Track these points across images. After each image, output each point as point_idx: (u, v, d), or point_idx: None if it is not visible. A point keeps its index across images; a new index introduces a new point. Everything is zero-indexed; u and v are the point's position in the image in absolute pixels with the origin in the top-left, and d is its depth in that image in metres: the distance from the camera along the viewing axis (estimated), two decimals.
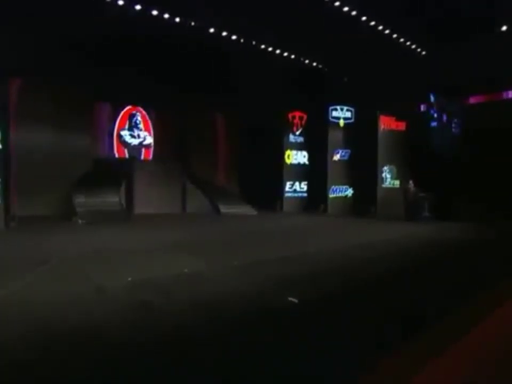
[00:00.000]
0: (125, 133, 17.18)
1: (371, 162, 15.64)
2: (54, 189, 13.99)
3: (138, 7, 12.74)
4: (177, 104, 17.28)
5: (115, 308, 4.50)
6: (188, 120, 18.28)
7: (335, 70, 18.24)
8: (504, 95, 15.90)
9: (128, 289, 5.18)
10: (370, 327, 3.99)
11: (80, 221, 12.69)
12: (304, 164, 19.26)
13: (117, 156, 17.16)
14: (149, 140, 17.84)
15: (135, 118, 17.48)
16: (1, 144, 11.33)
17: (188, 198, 17.78)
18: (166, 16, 13.42)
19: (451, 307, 4.62)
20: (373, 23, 14.12)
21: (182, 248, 8.25)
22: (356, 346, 3.46)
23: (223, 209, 16.64)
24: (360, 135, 16.45)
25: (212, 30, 14.44)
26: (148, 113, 17.86)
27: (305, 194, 19.33)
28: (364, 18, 13.78)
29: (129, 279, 5.65)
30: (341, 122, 17.74)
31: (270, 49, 16.30)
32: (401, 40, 15.57)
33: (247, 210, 16.91)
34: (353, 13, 13.37)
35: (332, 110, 17.61)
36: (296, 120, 19.06)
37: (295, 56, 17.18)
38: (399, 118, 16.01)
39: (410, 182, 14.86)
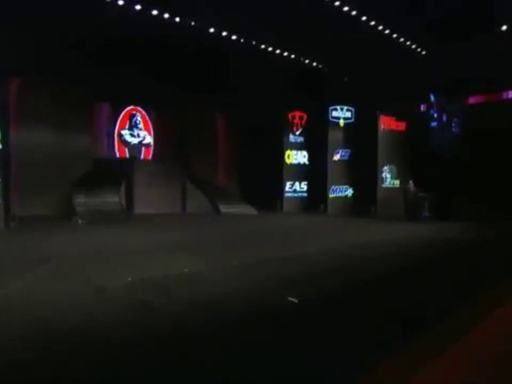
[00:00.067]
0: (125, 132, 17.21)
1: (371, 162, 15.63)
2: (54, 189, 13.99)
3: (138, 7, 12.74)
4: (177, 104, 17.27)
5: (115, 307, 4.50)
6: (188, 120, 18.28)
7: (335, 70, 18.24)
8: (504, 95, 15.90)
9: (128, 289, 5.18)
10: (370, 327, 3.99)
11: (80, 221, 12.70)
12: (304, 164, 19.26)
13: (117, 154, 17.16)
14: (149, 139, 17.86)
15: (135, 118, 17.49)
16: (1, 144, 11.33)
17: (188, 198, 17.79)
18: (166, 16, 13.42)
19: (451, 307, 4.62)
20: (373, 23, 14.12)
21: (182, 248, 8.25)
22: (355, 346, 3.46)
23: (223, 209, 16.65)
24: (360, 135, 16.44)
25: (211, 30, 14.44)
26: (148, 113, 17.86)
27: (305, 194, 19.33)
28: (363, 18, 13.78)
29: (129, 279, 5.65)
30: (341, 122, 17.74)
31: (270, 49, 16.30)
32: (401, 40, 15.57)
33: (247, 210, 16.92)
34: (353, 13, 13.37)
35: (332, 110, 17.60)
36: (296, 120, 19.06)
37: (295, 56, 17.18)
38: (399, 118, 16.01)
39: (410, 182, 14.86)
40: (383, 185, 15.84)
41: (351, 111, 17.86)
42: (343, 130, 17.72)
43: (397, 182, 15.92)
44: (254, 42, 15.65)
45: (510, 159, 13.82)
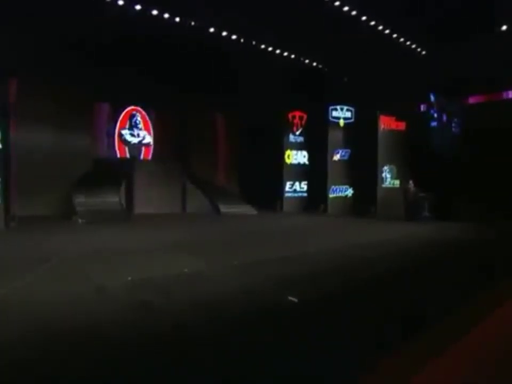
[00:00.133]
0: (125, 132, 17.23)
1: (371, 162, 15.63)
2: (54, 189, 14.00)
3: (138, 7, 12.75)
4: (177, 104, 17.28)
5: (115, 307, 4.50)
6: (188, 120, 18.29)
7: (335, 70, 18.24)
8: (504, 95, 15.90)
9: (128, 289, 5.18)
10: (370, 327, 3.99)
11: (80, 221, 12.71)
12: (304, 164, 19.26)
13: (118, 154, 17.16)
14: (148, 138, 17.88)
15: (135, 118, 17.51)
16: (1, 144, 11.34)
17: (188, 198, 17.81)
18: (166, 16, 13.42)
19: (451, 307, 4.62)
20: (373, 23, 14.13)
21: (182, 248, 8.25)
22: (355, 346, 3.46)
23: (223, 209, 16.65)
24: (360, 135, 16.44)
25: (211, 30, 14.44)
26: (148, 113, 17.86)
27: (305, 194, 19.33)
28: (363, 18, 13.78)
29: (129, 278, 5.65)
30: (341, 122, 17.74)
31: (270, 49, 16.31)
32: (401, 40, 15.58)
33: (247, 210, 16.92)
34: (353, 12, 13.37)
35: (332, 110, 17.60)
36: (296, 120, 19.06)
37: (295, 56, 17.18)
38: (399, 118, 16.00)
39: (410, 182, 14.86)
40: (383, 185, 15.84)
41: (351, 111, 17.86)
42: (343, 130, 17.72)
43: (397, 182, 15.91)
44: (254, 42, 15.66)
45: (510, 159, 13.81)
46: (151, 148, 18.00)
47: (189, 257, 7.32)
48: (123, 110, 17.22)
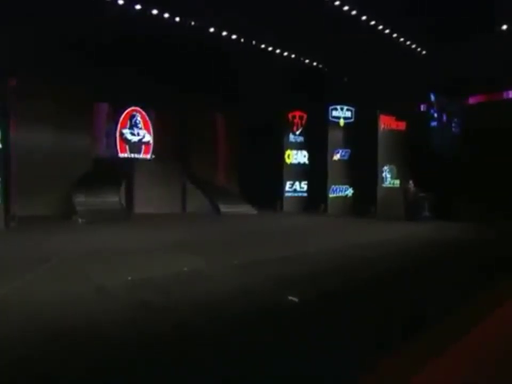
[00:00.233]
0: (126, 131, 17.27)
1: (371, 162, 15.62)
2: (54, 189, 13.99)
3: (138, 7, 12.74)
4: (177, 104, 17.28)
5: (115, 307, 4.50)
6: (188, 120, 18.28)
7: (335, 70, 18.24)
8: (504, 95, 15.91)
9: (128, 289, 5.18)
10: (370, 327, 3.99)
11: (80, 220, 12.71)
12: (304, 164, 19.26)
13: (119, 151, 17.16)
14: (148, 137, 17.90)
15: (135, 118, 17.54)
16: (1, 144, 11.34)
17: (188, 198, 17.84)
18: (166, 16, 13.42)
19: (450, 307, 4.62)
20: (373, 22, 14.13)
21: (182, 248, 8.25)
22: (355, 346, 3.46)
23: (223, 208, 16.66)
24: (360, 135, 16.44)
25: (211, 30, 14.44)
26: (148, 114, 17.86)
27: (305, 194, 19.33)
28: (363, 18, 13.78)
29: (129, 278, 5.66)
30: (341, 122, 17.73)
31: (270, 49, 16.31)
32: (401, 40, 15.58)
33: (247, 210, 16.93)
34: (353, 12, 13.37)
35: (332, 109, 17.60)
36: (296, 120, 19.07)
37: (295, 56, 17.19)
38: (399, 118, 16.00)
39: (410, 181, 14.86)
40: (383, 185, 15.84)
41: (351, 110, 17.86)
42: (343, 130, 17.71)
43: (397, 182, 15.91)
44: (254, 42, 15.66)
45: (510, 159, 13.81)
46: (151, 146, 18.01)
47: (188, 257, 7.32)
48: (123, 111, 17.23)
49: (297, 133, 19.08)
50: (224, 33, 14.76)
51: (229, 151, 19.92)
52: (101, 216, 12.89)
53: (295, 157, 19.06)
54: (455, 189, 14.14)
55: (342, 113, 17.76)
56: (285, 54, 16.85)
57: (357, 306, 4.61)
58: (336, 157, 17.62)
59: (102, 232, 10.94)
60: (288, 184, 18.92)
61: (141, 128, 17.68)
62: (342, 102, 17.64)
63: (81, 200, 13.59)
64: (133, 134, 17.44)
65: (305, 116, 19.10)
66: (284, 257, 7.40)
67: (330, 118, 17.59)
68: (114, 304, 4.63)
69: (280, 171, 18.79)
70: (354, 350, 3.36)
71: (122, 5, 12.53)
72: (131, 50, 13.75)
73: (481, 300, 4.98)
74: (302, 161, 19.22)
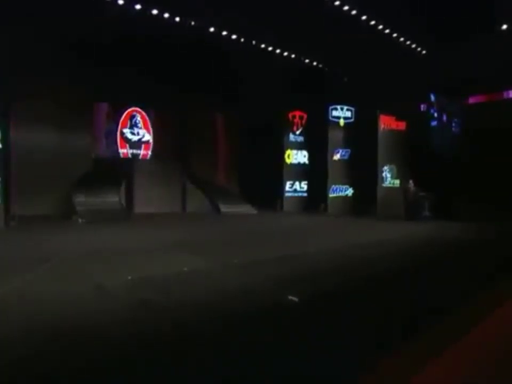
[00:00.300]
0: (126, 131, 17.30)
1: (371, 161, 15.63)
2: (54, 189, 13.99)
3: (138, 6, 12.74)
4: (177, 104, 17.27)
5: (115, 306, 4.50)
6: (188, 120, 18.28)
7: (335, 70, 18.24)
8: (504, 95, 15.91)
9: (128, 288, 5.19)
10: (370, 327, 3.99)
11: (80, 220, 12.72)
12: (304, 164, 19.26)
13: (119, 150, 17.17)
14: (148, 137, 17.91)
15: (135, 119, 17.57)
16: (1, 143, 11.35)
17: (188, 198, 17.85)
18: (166, 15, 13.42)
19: (451, 307, 4.62)
20: (373, 22, 14.12)
21: (182, 247, 8.25)
22: (355, 346, 3.46)
23: (223, 208, 16.66)
24: (360, 135, 16.44)
25: (212, 30, 14.44)
26: (148, 114, 17.87)
27: (305, 194, 19.33)
28: (363, 17, 13.78)
29: (129, 278, 5.66)
30: (341, 121, 17.74)
31: (270, 48, 16.30)
32: (401, 39, 15.57)
33: (247, 209, 16.93)
34: (353, 12, 13.37)
35: (332, 109, 17.60)
36: (296, 120, 19.07)
37: (295, 56, 17.18)
38: (399, 118, 16.00)
39: (410, 181, 14.86)
40: (383, 185, 15.84)
41: (351, 110, 17.86)
42: (343, 130, 17.72)
43: (397, 182, 15.91)
44: (254, 42, 15.65)
45: (510, 159, 13.82)
46: (150, 145, 18.01)
47: (188, 257, 7.32)
48: (124, 111, 17.25)
49: (297, 132, 19.08)
50: (224, 33, 14.75)
51: (229, 151, 19.91)
52: (101, 216, 12.89)
53: (295, 156, 19.06)
54: (455, 189, 14.14)
55: (342, 113, 17.77)
56: (285, 54, 16.84)
57: (357, 306, 4.61)
58: (336, 156, 17.63)
59: (102, 232, 10.94)
60: (288, 184, 18.92)
61: (140, 128, 17.71)
62: (342, 102, 17.65)
63: (81, 200, 13.59)
64: (133, 134, 17.48)
65: (305, 116, 19.11)
66: (283, 257, 7.40)
67: (330, 118, 17.59)
68: (114, 303, 4.63)
69: (280, 171, 18.78)
70: (354, 350, 3.36)
71: (122, 5, 12.52)
72: (131, 50, 13.74)
73: (481, 300, 4.98)
74: (302, 161, 19.22)
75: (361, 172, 16.24)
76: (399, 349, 3.48)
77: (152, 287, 5.26)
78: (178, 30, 13.75)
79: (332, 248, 8.72)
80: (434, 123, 15.68)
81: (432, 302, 4.80)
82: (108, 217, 12.99)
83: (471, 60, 14.26)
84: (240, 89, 16.79)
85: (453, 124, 16.38)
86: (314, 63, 18.07)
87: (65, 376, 3.00)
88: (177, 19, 13.64)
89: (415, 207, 14.52)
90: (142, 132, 17.75)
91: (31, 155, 13.73)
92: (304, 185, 19.27)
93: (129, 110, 17.42)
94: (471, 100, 16.60)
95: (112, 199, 14.47)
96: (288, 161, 18.93)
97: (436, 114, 15.65)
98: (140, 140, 17.76)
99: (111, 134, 17.05)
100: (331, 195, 17.54)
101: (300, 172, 19.15)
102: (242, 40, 15.27)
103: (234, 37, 15.04)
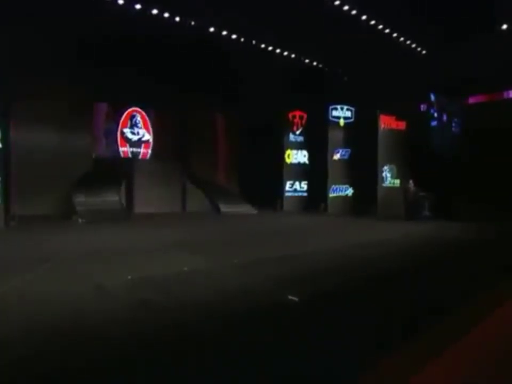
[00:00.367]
0: (127, 130, 17.32)
1: (371, 161, 15.62)
2: (54, 189, 13.99)
3: (138, 6, 12.74)
4: (177, 104, 17.28)
5: (115, 306, 4.50)
6: (188, 120, 18.28)
7: (335, 70, 18.24)
8: (504, 95, 15.91)
9: (128, 288, 5.19)
10: (370, 327, 3.99)
11: (80, 220, 12.72)
12: (304, 163, 19.27)
13: (120, 149, 17.18)
14: (147, 136, 17.93)
15: (135, 119, 17.58)
16: (1, 143, 11.35)
17: (188, 198, 17.86)
18: (166, 15, 13.41)
19: (450, 307, 4.63)
20: (372, 22, 14.12)
21: (182, 247, 8.25)
22: (355, 346, 3.46)
23: (224, 208, 16.66)
24: (360, 135, 16.44)
25: (212, 30, 14.44)
26: (148, 114, 17.88)
27: (305, 194, 19.34)
28: (363, 17, 13.78)
29: (129, 277, 5.66)
30: (341, 121, 17.74)
31: (270, 48, 16.30)
32: (402, 39, 15.57)
33: (247, 209, 16.93)
34: (353, 12, 13.37)
35: (332, 109, 17.61)
36: (296, 120, 19.07)
37: (295, 56, 17.18)
38: (399, 118, 16.00)
39: (410, 181, 14.86)
40: (383, 185, 15.83)
41: (351, 110, 17.86)
42: (343, 129, 17.72)
43: (397, 182, 15.91)
44: (254, 42, 15.65)
45: (510, 159, 13.82)
46: (150, 144, 18.01)
47: (188, 257, 7.32)
48: (124, 111, 17.27)
49: (297, 132, 19.09)
50: (224, 33, 14.75)
51: (229, 151, 19.92)
52: (101, 216, 12.90)
53: (295, 156, 19.06)
54: (455, 189, 14.14)
55: (342, 113, 17.77)
56: (285, 54, 16.84)
57: (357, 306, 4.61)
58: (336, 156, 17.63)
59: (102, 232, 10.94)
60: (288, 184, 18.93)
61: (140, 128, 17.73)
62: (342, 101, 17.65)
63: (81, 200, 13.59)
64: (133, 133, 17.50)
65: (305, 116, 19.11)
66: (283, 256, 7.40)
67: (330, 117, 17.59)
68: (114, 303, 4.63)
69: (280, 171, 18.79)
70: (354, 350, 3.36)
71: (122, 5, 12.52)
72: (131, 50, 13.74)
73: (481, 300, 4.98)
74: (302, 161, 19.23)
75: (361, 172, 16.24)
76: (399, 349, 3.48)
77: (152, 287, 5.26)
78: (178, 30, 13.75)
79: (332, 248, 8.72)
80: (434, 123, 15.68)
81: (432, 302, 4.80)
82: (108, 217, 12.99)
83: (471, 60, 14.26)
84: (240, 89, 16.80)
85: (453, 124, 16.39)
86: (314, 63, 18.07)
87: (65, 376, 3.00)
88: (177, 19, 13.65)
89: (415, 207, 14.52)
90: (142, 131, 17.77)
91: (31, 155, 13.73)
92: (304, 185, 19.28)
93: (130, 110, 17.44)
94: (471, 100, 16.60)
95: (112, 199, 14.47)
96: (288, 161, 18.94)
97: (435, 114, 15.65)
98: (139, 139, 17.78)
99: (111, 134, 17.06)
100: (331, 195, 17.54)
101: (300, 171, 19.16)
102: (242, 40, 15.27)
103: (234, 37, 15.04)
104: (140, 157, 17.67)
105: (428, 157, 14.86)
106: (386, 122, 15.88)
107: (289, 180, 18.95)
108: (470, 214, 13.32)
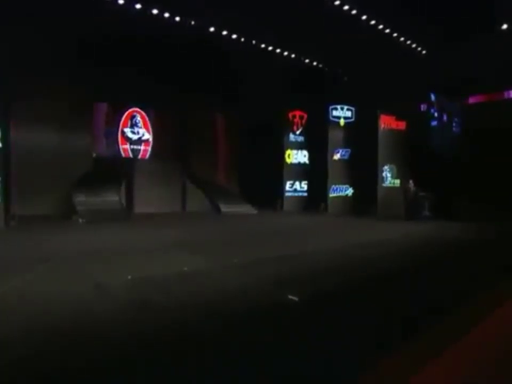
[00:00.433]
0: (127, 130, 17.35)
1: (371, 161, 15.62)
2: (54, 189, 13.98)
3: (138, 6, 12.73)
4: (177, 104, 17.28)
5: (115, 306, 4.50)
6: (188, 120, 18.28)
7: (335, 70, 18.23)
8: (505, 95, 15.91)
9: (128, 288, 5.19)
10: (370, 327, 3.99)
11: (80, 220, 12.72)
12: (304, 163, 19.27)
13: (120, 148, 17.19)
14: (147, 135, 17.93)
15: (135, 118, 17.60)
16: (1, 143, 11.35)
17: (188, 197, 17.86)
18: (166, 15, 13.41)
19: (450, 307, 4.62)
20: (373, 22, 14.12)
21: (182, 247, 8.25)
22: (355, 346, 3.46)
23: (224, 208, 16.67)
24: (360, 135, 16.44)
25: (212, 30, 14.43)
26: (148, 114, 17.88)
27: (305, 194, 19.34)
28: (364, 17, 13.77)
29: (129, 277, 5.66)
30: (341, 121, 17.74)
31: (270, 48, 16.30)
32: (402, 39, 15.56)
33: (247, 209, 16.93)
34: (353, 12, 13.36)
35: (332, 109, 17.61)
36: (297, 120, 19.07)
37: (295, 56, 17.18)
38: (399, 118, 15.98)
39: (411, 181, 14.86)
40: (383, 185, 15.82)
41: (351, 110, 17.87)
42: (343, 129, 17.72)
43: (397, 182, 15.89)
44: (254, 42, 15.64)
45: (510, 159, 13.82)
46: (150, 144, 18.02)
47: (188, 257, 7.32)
48: (124, 111, 17.28)
49: (298, 132, 19.09)
50: (224, 32, 14.75)
51: (229, 151, 19.91)
52: (101, 215, 12.90)
53: (295, 156, 19.07)
54: (455, 189, 14.14)
55: (342, 113, 17.77)
56: (285, 53, 16.84)
57: (357, 306, 4.61)
58: (336, 156, 17.63)
59: (102, 232, 10.94)
60: (288, 183, 18.93)
61: (140, 127, 17.75)
62: (342, 101, 17.65)
63: (81, 199, 13.59)
64: (133, 133, 17.54)
65: (305, 116, 19.11)
66: (283, 256, 7.40)
67: (330, 117, 17.60)
68: (114, 303, 4.63)
69: (280, 171, 18.80)
70: (354, 350, 3.36)
71: (122, 5, 12.52)
72: (131, 50, 13.73)
73: (481, 300, 4.98)
74: (302, 161, 19.23)
75: (361, 172, 16.24)
76: (399, 349, 3.48)
77: (152, 287, 5.26)
78: (178, 30, 13.75)
79: (332, 248, 8.72)
80: (434, 123, 15.67)
81: (432, 302, 4.80)
82: (108, 217, 12.99)
83: (471, 59, 14.26)
84: (240, 89, 16.80)
85: (453, 124, 16.38)
86: (314, 63, 18.06)
87: (65, 376, 3.00)
88: (177, 19, 13.64)
89: (415, 207, 14.52)
90: (142, 130, 17.80)
91: (31, 155, 13.71)
92: (304, 185, 19.28)
93: (130, 110, 17.46)
94: (471, 100, 16.60)
95: (112, 198, 14.48)
96: (288, 161, 18.94)
97: (436, 114, 15.64)
98: (139, 138, 17.80)
99: (111, 134, 17.06)
100: (331, 195, 17.54)
101: (300, 171, 19.16)
102: (242, 40, 15.27)
103: (234, 36, 15.04)
104: (140, 155, 17.67)
105: (428, 157, 14.85)
106: (386, 122, 15.87)
107: (289, 179, 18.95)
108: (470, 214, 13.32)
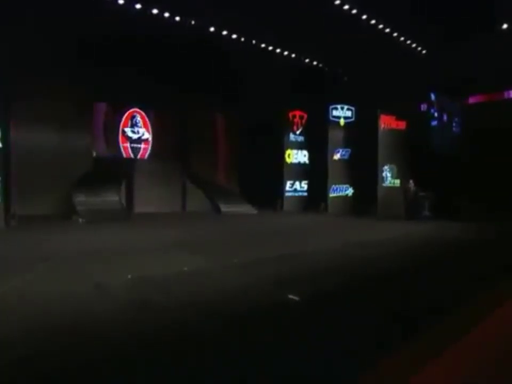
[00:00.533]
0: (127, 129, 17.37)
1: (371, 161, 15.63)
2: (54, 188, 13.98)
3: (138, 6, 12.73)
4: (177, 104, 17.28)
5: (115, 306, 4.50)
6: (188, 120, 18.28)
7: (335, 69, 18.23)
8: (505, 95, 15.91)
9: (128, 288, 5.19)
10: (370, 327, 3.99)
11: (80, 220, 12.72)
12: (304, 163, 19.27)
13: (121, 148, 17.20)
14: (147, 135, 17.95)
15: (135, 118, 17.62)
16: (1, 143, 11.35)
17: (188, 197, 17.86)
18: (166, 15, 13.41)
19: (450, 307, 4.62)
20: (373, 22, 14.11)
21: (182, 247, 8.25)
22: (355, 346, 3.46)
23: (224, 208, 16.66)
24: (360, 134, 16.45)
25: (212, 30, 14.43)
26: (148, 114, 17.88)
27: (305, 194, 19.34)
28: (364, 17, 13.77)
29: (129, 277, 5.66)
30: (341, 121, 17.74)
31: (270, 48, 16.30)
32: (402, 39, 15.56)
33: (247, 209, 16.93)
34: (354, 11, 13.36)
35: (332, 109, 17.61)
36: (297, 119, 19.07)
37: (295, 56, 17.18)
38: (399, 117, 15.98)
39: (411, 181, 14.86)
40: (383, 185, 15.83)
41: (351, 110, 17.86)
42: (343, 129, 17.72)
43: (397, 181, 15.90)
44: (254, 42, 15.64)
45: (510, 159, 13.82)
46: (150, 143, 18.02)
47: (188, 256, 7.32)
48: (124, 111, 17.30)
49: (298, 132, 19.09)
50: (224, 32, 14.74)
51: (229, 151, 19.91)
52: (101, 215, 12.90)
53: (295, 156, 19.06)
54: (455, 189, 14.15)
55: (342, 113, 17.77)
56: (285, 53, 16.83)
57: (357, 306, 4.61)
58: (337, 156, 17.63)
59: (102, 232, 10.94)
60: (288, 183, 18.92)
61: (140, 127, 17.76)
62: (342, 101, 17.65)
63: (81, 199, 13.58)
64: (133, 132, 17.56)
65: (305, 116, 19.11)
66: (284, 256, 7.40)
67: (330, 117, 17.60)
68: (114, 303, 4.63)
69: (280, 171, 18.78)
70: (354, 350, 3.36)
71: (122, 5, 12.51)
72: (131, 50, 13.73)
73: (481, 300, 4.98)
74: (302, 161, 19.23)
75: (361, 172, 16.24)
76: (399, 349, 3.48)
77: (152, 286, 5.26)
78: (178, 30, 13.74)
79: (332, 247, 8.72)
80: (434, 123, 15.68)
81: (432, 302, 4.80)
82: (108, 217, 12.99)
83: (471, 59, 14.26)
84: (240, 89, 16.80)
85: (453, 124, 16.38)
86: (314, 63, 18.06)
87: (65, 376, 2.99)
88: (177, 19, 13.63)
89: (415, 206, 14.52)
90: (142, 130, 17.83)
91: (31, 155, 13.71)
92: (304, 185, 19.28)
93: (130, 111, 17.49)
94: (471, 100, 16.60)
95: (112, 198, 14.47)
96: (288, 161, 18.93)
97: (436, 114, 15.64)
98: (139, 138, 17.82)
99: (111, 134, 17.07)
100: (331, 195, 17.54)
101: (300, 171, 19.16)
102: (242, 40, 15.26)
103: (234, 36, 15.03)
104: (140, 153, 17.68)
105: (428, 157, 14.85)
106: (386, 122, 15.87)
107: (290, 179, 18.94)
108: (470, 214, 13.33)
